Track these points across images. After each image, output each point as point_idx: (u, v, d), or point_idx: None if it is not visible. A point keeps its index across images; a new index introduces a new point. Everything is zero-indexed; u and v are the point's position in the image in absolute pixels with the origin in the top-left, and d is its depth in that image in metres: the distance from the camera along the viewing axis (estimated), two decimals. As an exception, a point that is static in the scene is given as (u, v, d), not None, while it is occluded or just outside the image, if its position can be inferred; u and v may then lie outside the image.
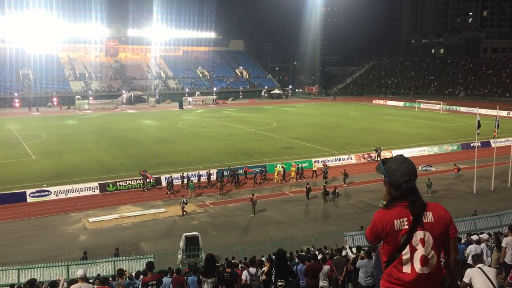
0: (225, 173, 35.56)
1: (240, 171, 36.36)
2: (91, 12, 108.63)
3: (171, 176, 34.04)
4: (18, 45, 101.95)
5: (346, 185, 34.88)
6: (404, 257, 3.33)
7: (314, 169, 38.17)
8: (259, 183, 35.60)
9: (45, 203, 31.00)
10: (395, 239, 3.33)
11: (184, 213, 28.74)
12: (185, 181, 34.16)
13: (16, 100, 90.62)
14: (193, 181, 33.85)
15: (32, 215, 28.79)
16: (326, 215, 29.46)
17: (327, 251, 18.15)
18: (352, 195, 33.12)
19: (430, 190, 32.10)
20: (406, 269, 3.34)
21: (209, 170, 35.74)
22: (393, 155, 36.19)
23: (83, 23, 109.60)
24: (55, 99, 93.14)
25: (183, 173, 34.95)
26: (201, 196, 32.96)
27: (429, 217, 3.38)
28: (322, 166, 37.66)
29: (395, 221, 3.32)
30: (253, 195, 29.76)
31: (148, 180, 34.23)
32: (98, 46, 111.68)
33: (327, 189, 31.66)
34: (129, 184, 34.33)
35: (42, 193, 31.72)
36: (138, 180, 34.51)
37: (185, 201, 28.90)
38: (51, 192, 31.95)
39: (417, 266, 3.31)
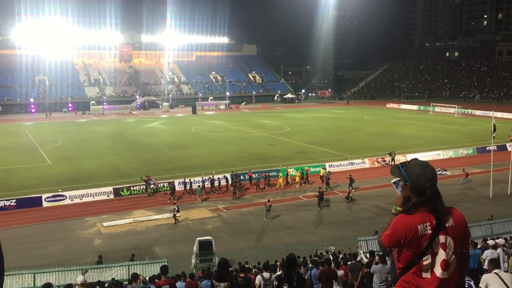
0: (228, 178, 35.49)
1: (242, 177, 36.20)
2: (105, 19, 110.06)
3: (173, 181, 34.09)
4: (34, 51, 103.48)
5: (353, 190, 34.46)
6: (424, 263, 3.28)
7: (322, 174, 37.79)
8: (262, 189, 35.47)
9: (61, 207, 31.32)
10: (418, 245, 3.28)
11: (176, 221, 28.39)
12: (187, 186, 34.18)
13: (32, 106, 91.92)
14: (200, 186, 33.88)
15: (47, 220, 29.11)
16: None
17: (341, 256, 18.04)
18: (365, 200, 32.89)
19: None
20: (426, 274, 3.29)
21: (213, 176, 35.63)
22: (408, 159, 36.06)
23: (98, 30, 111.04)
24: (70, 105, 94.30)
25: (185, 178, 34.95)
26: (215, 201, 33.01)
27: (450, 221, 3.35)
28: (327, 172, 37.25)
29: (418, 226, 3.26)
30: (268, 200, 29.70)
31: (152, 186, 34.29)
32: (112, 52, 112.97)
33: (324, 195, 31.59)
34: (143, 188, 34.51)
35: (57, 198, 32.07)
36: (152, 185, 34.57)
37: (177, 209, 28.55)
38: (66, 197, 32.28)
39: (438, 271, 3.27)
